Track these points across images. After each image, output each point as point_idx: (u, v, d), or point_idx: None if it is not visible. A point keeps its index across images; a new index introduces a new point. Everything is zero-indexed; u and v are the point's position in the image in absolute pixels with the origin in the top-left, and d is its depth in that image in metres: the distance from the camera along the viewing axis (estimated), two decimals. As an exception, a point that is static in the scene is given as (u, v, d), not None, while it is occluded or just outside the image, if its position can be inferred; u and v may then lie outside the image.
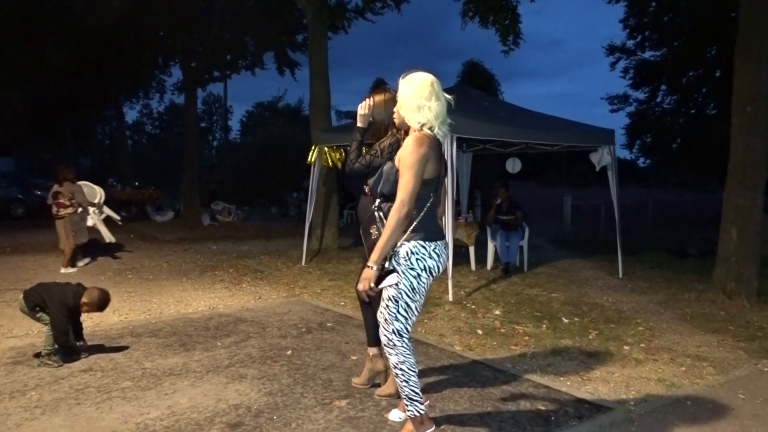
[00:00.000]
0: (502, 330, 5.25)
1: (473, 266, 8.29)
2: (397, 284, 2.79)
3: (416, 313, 2.87)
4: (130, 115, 49.21)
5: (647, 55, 19.15)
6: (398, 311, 2.81)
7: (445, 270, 4.49)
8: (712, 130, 17.15)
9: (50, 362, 4.08)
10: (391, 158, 3.34)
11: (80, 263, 8.43)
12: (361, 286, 2.74)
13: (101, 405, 3.43)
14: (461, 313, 5.82)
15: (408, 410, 2.87)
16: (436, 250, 2.82)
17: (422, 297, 2.87)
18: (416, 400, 2.86)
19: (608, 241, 11.50)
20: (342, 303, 6.30)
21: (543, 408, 3.50)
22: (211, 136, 40.54)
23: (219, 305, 6.15)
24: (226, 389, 3.70)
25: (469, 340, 4.89)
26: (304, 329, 5.17)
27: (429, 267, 2.80)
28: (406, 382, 2.84)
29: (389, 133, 3.50)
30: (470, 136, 6.91)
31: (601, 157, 7.76)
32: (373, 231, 2.78)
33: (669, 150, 20.50)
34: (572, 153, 10.53)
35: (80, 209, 8.31)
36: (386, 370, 3.64)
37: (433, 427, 2.94)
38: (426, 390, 3.73)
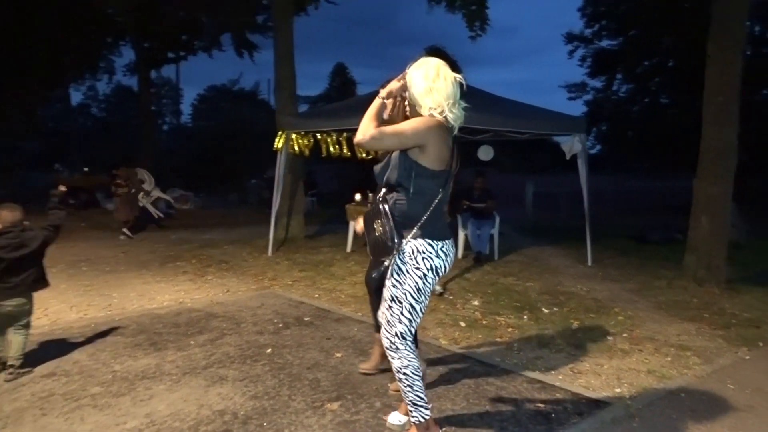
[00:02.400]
0: (485, 322, 5.16)
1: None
2: (401, 284, 2.62)
3: (420, 315, 2.70)
4: (75, 97, 46.92)
5: (604, 44, 19.44)
6: (402, 313, 2.64)
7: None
8: (666, 118, 17.61)
9: (22, 372, 3.69)
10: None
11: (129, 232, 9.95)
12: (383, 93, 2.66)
13: (70, 415, 3.13)
14: (440, 304, 5.70)
15: (413, 416, 2.71)
16: (443, 249, 2.65)
17: (427, 298, 2.70)
18: (421, 406, 2.70)
19: (571, 228, 11.66)
20: (316, 295, 6.09)
21: (542, 405, 3.40)
22: (161, 120, 39.15)
23: (186, 299, 5.84)
24: (207, 393, 3.45)
25: (453, 333, 4.77)
26: (281, 324, 4.94)
27: (435, 266, 2.63)
28: (410, 387, 2.67)
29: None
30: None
31: (572, 145, 7.75)
32: (377, 226, 2.58)
33: (624, 138, 20.97)
34: (531, 140, 10.51)
35: (133, 190, 10.50)
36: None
37: (441, 430, 2.79)
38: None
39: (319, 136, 7.55)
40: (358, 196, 8.72)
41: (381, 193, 2.70)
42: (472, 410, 3.29)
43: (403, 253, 2.62)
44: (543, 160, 25.52)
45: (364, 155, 7.11)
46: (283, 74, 9.25)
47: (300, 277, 6.94)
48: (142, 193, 10.81)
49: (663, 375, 3.96)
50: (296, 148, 7.98)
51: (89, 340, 4.41)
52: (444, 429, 3.01)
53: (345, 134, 7.24)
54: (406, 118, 3.00)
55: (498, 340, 4.67)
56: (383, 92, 2.65)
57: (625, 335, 4.83)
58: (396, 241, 2.56)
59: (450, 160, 2.63)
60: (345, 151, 7.34)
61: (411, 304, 2.63)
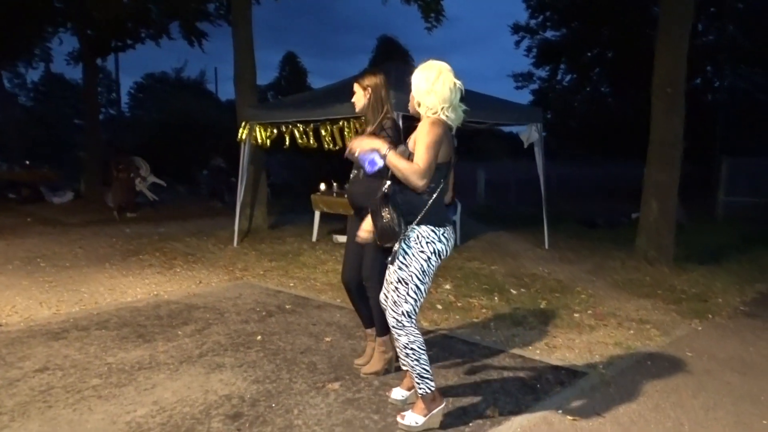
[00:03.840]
0: (459, 304, 5.42)
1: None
2: (407, 266, 2.82)
3: (424, 295, 2.91)
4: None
5: (549, 34, 20.12)
6: (408, 293, 2.84)
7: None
8: (606, 108, 18.46)
9: None
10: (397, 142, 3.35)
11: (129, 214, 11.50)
12: (352, 144, 2.86)
13: (77, 406, 3.17)
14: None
15: (420, 388, 2.91)
16: (445, 235, 2.87)
17: (430, 280, 2.92)
18: (427, 378, 2.91)
19: (523, 214, 12.16)
20: (291, 284, 6.20)
21: (526, 378, 3.68)
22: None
23: (160, 292, 5.84)
24: (209, 380, 3.55)
25: (432, 316, 5.01)
26: (264, 313, 5.04)
27: (438, 251, 2.84)
28: (417, 360, 2.88)
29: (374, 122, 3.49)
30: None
31: (529, 135, 8.11)
32: (385, 214, 2.75)
33: (568, 126, 21.80)
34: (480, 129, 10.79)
35: (132, 175, 12.15)
36: (380, 352, 3.69)
37: (444, 403, 3.00)
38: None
39: (284, 127, 7.59)
40: (323, 186, 8.83)
41: (387, 185, 2.86)
42: (465, 384, 3.53)
43: (408, 239, 2.81)
44: (493, 148, 26.21)
45: (331, 146, 7.22)
46: (244, 64, 9.19)
47: (271, 267, 7.02)
48: (139, 179, 12.48)
49: (629, 347, 4.32)
50: (259, 139, 7.99)
51: (73, 335, 4.39)
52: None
53: (312, 125, 7.31)
54: (373, 108, 3.41)
55: (474, 320, 4.94)
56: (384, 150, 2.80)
57: (589, 312, 5.20)
58: (402, 227, 2.76)
59: (451, 153, 2.84)
60: (312, 142, 7.41)
61: (417, 285, 2.84)
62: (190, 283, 6.28)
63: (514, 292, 5.85)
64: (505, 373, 3.75)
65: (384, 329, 3.71)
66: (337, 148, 7.40)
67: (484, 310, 5.22)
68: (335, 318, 4.92)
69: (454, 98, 2.83)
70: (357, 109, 3.63)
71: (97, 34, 14.09)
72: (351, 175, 3.70)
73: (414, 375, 2.91)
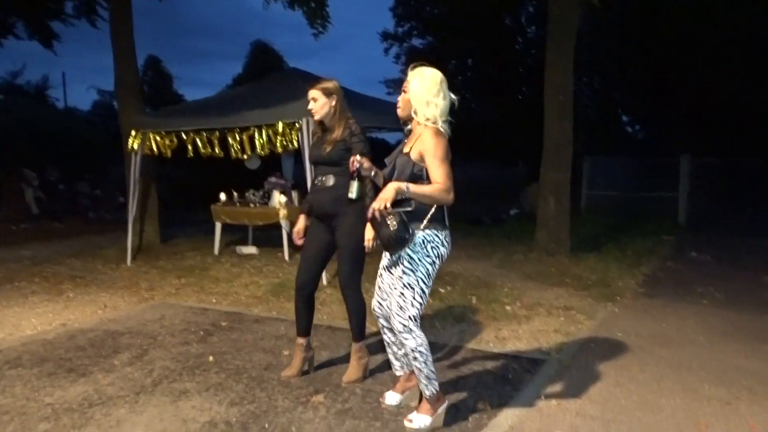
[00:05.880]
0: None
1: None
2: (414, 272, 2.83)
3: (427, 298, 2.95)
4: None
5: (416, 42, 20.97)
6: (414, 297, 2.86)
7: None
8: (470, 114, 19.63)
9: None
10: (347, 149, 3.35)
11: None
12: (376, 205, 2.67)
13: (37, 456, 2.76)
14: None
15: (428, 390, 2.93)
16: (447, 239, 2.94)
17: (433, 284, 2.96)
18: (434, 379, 2.95)
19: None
20: (214, 300, 5.86)
21: (494, 370, 3.84)
22: None
23: (65, 321, 5.22)
24: (179, 408, 3.26)
25: (372, 319, 5.00)
26: (201, 333, 4.72)
27: (441, 254, 2.91)
28: (425, 363, 2.90)
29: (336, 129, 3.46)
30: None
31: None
32: (390, 221, 2.74)
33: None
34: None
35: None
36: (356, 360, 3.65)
37: (446, 402, 3.05)
38: (379, 369, 3.82)
39: (184, 135, 7.15)
40: (223, 196, 8.44)
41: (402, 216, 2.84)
42: (443, 382, 3.57)
43: (414, 244, 2.83)
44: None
45: (239, 155, 6.95)
46: (126, 69, 8.49)
47: (182, 285, 6.57)
48: (31, 189, 12.37)
49: (567, 332, 4.67)
50: (155, 148, 7.46)
51: (-13, 377, 3.79)
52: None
53: (217, 133, 6.96)
54: (339, 115, 3.44)
55: (418, 320, 5.02)
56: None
57: (518, 303, 5.53)
58: (411, 233, 2.77)
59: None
60: (217, 150, 7.06)
61: (422, 289, 2.87)
62: (95, 309, 5.68)
63: (442, 290, 6.03)
64: (474, 368, 3.88)
65: (360, 335, 3.69)
66: (245, 156, 7.15)
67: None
68: (280, 331, 4.75)
69: (448, 111, 2.90)
70: (317, 117, 3.56)
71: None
72: (316, 182, 3.62)
73: (422, 377, 2.93)
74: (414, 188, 2.71)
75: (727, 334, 4.71)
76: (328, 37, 10.91)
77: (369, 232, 3.09)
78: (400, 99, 2.94)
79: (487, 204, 14.25)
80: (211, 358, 4.08)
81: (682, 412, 3.24)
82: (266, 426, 3.02)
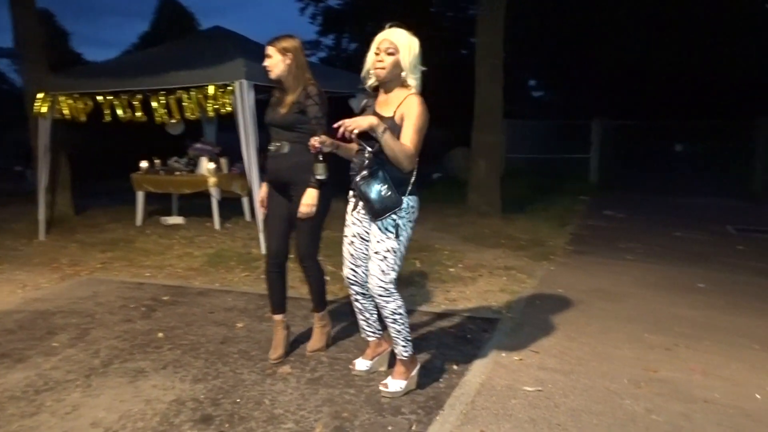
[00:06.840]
0: (340, 273, 5.43)
1: (248, 217, 8.09)
2: (398, 236, 2.84)
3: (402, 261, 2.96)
4: None
5: (332, 2, 20.49)
6: (395, 261, 2.87)
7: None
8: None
9: None
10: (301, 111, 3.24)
11: None
12: (349, 122, 2.58)
13: (-11, 451, 2.54)
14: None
15: (405, 351, 2.97)
16: (418, 204, 2.94)
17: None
18: (411, 341, 2.99)
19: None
20: (148, 274, 5.57)
21: (452, 330, 3.93)
22: None
23: (-18, 302, 4.79)
24: (139, 388, 3.10)
25: (328, 287, 4.96)
26: (143, 308, 4.48)
27: (416, 218, 2.92)
28: (403, 325, 2.93)
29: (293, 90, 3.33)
30: (263, 83, 6.59)
31: (359, 102, 8.29)
32: (382, 188, 2.70)
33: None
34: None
35: None
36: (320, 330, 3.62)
37: (419, 364, 3.10)
38: (341, 337, 3.81)
39: (100, 98, 6.61)
40: (144, 164, 7.97)
41: (368, 159, 2.77)
42: (407, 346, 3.64)
43: (400, 209, 2.80)
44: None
45: (165, 119, 6.54)
46: (27, 25, 7.69)
47: (108, 259, 6.19)
48: None
49: (513, 291, 4.85)
50: (67, 112, 6.87)
51: None
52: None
53: (139, 96, 6.49)
54: (294, 75, 3.29)
55: (367, 286, 5.03)
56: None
57: (460, 265, 5.66)
58: (399, 198, 2.76)
59: None
60: (139, 114, 6.59)
61: (402, 252, 2.89)
62: (12, 288, 5.24)
63: (384, 255, 6.06)
64: (433, 330, 3.96)
65: (321, 305, 3.65)
66: (174, 120, 6.75)
67: (369, 276, 5.34)
68: (228, 303, 4.60)
69: None
70: (273, 76, 3.39)
71: None
72: (270, 147, 3.48)
73: (400, 339, 2.95)
74: (389, 136, 2.64)
75: (656, 285, 5.08)
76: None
77: (309, 198, 3.12)
78: (385, 60, 2.78)
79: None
80: (160, 335, 3.89)
81: (632, 359, 3.47)
82: (238, 401, 2.93)
